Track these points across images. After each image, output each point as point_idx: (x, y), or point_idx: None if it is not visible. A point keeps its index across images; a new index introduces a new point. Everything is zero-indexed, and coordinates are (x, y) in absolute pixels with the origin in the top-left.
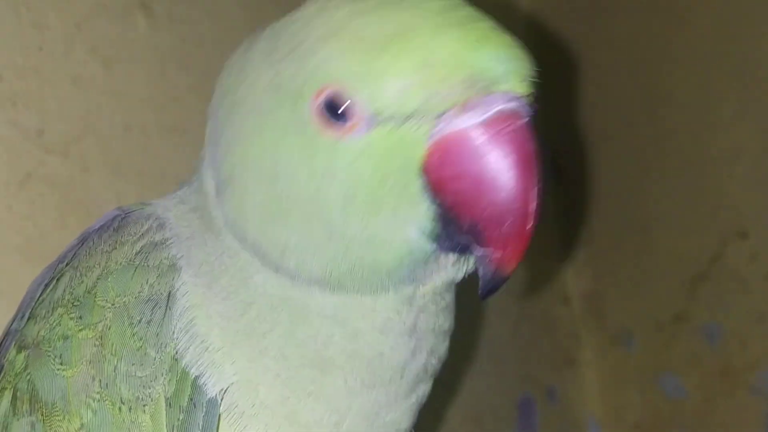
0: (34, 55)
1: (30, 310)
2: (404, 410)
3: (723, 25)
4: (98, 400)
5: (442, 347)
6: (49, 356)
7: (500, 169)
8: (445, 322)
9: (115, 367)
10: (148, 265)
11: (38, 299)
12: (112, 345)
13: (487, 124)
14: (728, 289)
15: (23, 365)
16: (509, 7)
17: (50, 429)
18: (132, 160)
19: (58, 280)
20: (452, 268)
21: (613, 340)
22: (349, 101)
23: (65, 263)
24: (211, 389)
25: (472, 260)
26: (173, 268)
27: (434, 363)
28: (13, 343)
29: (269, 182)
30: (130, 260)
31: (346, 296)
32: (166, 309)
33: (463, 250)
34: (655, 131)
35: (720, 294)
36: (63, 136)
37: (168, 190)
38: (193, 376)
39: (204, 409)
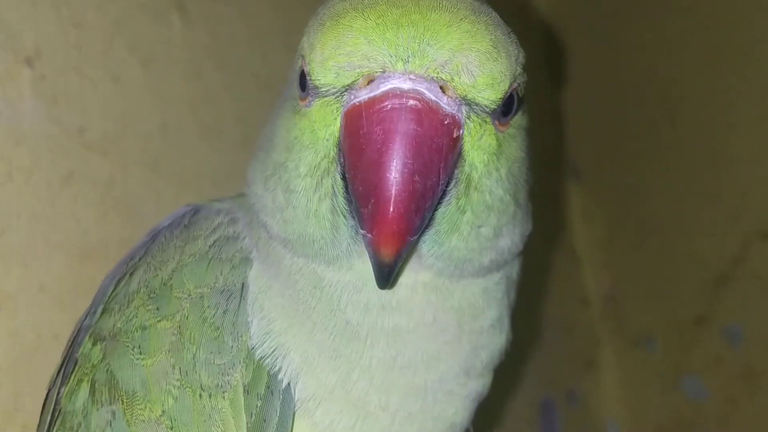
0: (74, 54)
1: (103, 305)
2: (456, 402)
3: (746, 26)
4: (179, 387)
5: (492, 343)
6: (127, 347)
7: (371, 145)
8: (475, 321)
9: (194, 356)
10: (222, 258)
11: (111, 294)
12: (191, 334)
13: (374, 100)
14: (750, 291)
15: (100, 357)
16: (525, 8)
17: (132, 416)
18: (169, 158)
19: (131, 274)
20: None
21: (633, 342)
22: (306, 74)
23: (138, 258)
24: (283, 373)
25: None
26: (246, 260)
27: (484, 359)
28: (88, 337)
29: (267, 151)
30: (203, 253)
31: (332, 267)
32: (240, 299)
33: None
34: (676, 132)
35: (742, 295)
36: (103, 134)
37: (204, 189)
38: (267, 363)
39: (281, 397)
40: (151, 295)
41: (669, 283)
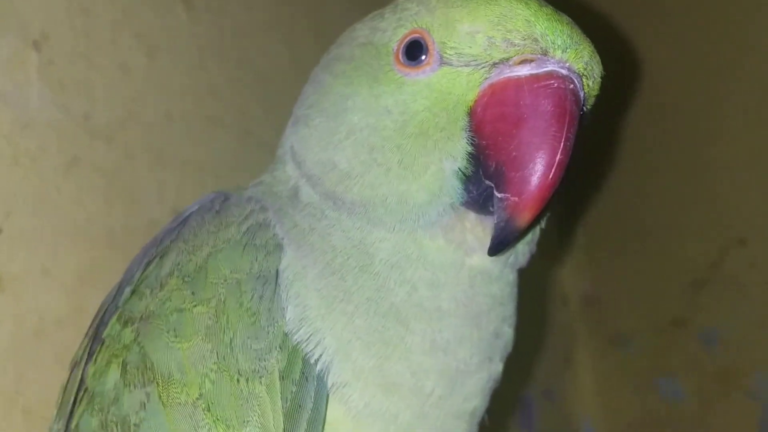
0: (82, 41)
1: (132, 287)
2: (479, 386)
3: (733, 36)
4: (216, 371)
5: (507, 333)
6: (161, 330)
7: (538, 116)
8: (503, 308)
9: (232, 340)
10: (256, 244)
11: (141, 276)
12: (228, 319)
13: (538, 77)
14: (727, 295)
15: (132, 339)
16: None
17: (168, 398)
18: (173, 148)
19: (161, 258)
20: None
21: (610, 342)
22: (427, 45)
23: (168, 242)
24: (317, 360)
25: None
26: (279, 247)
27: (500, 345)
28: (115, 318)
29: (336, 114)
30: (237, 239)
31: (400, 236)
32: (275, 285)
33: (484, 203)
34: (659, 138)
35: (719, 299)
36: (108, 121)
37: (206, 180)
38: (302, 350)
39: (315, 382)
40: (186, 279)
41: (647, 286)
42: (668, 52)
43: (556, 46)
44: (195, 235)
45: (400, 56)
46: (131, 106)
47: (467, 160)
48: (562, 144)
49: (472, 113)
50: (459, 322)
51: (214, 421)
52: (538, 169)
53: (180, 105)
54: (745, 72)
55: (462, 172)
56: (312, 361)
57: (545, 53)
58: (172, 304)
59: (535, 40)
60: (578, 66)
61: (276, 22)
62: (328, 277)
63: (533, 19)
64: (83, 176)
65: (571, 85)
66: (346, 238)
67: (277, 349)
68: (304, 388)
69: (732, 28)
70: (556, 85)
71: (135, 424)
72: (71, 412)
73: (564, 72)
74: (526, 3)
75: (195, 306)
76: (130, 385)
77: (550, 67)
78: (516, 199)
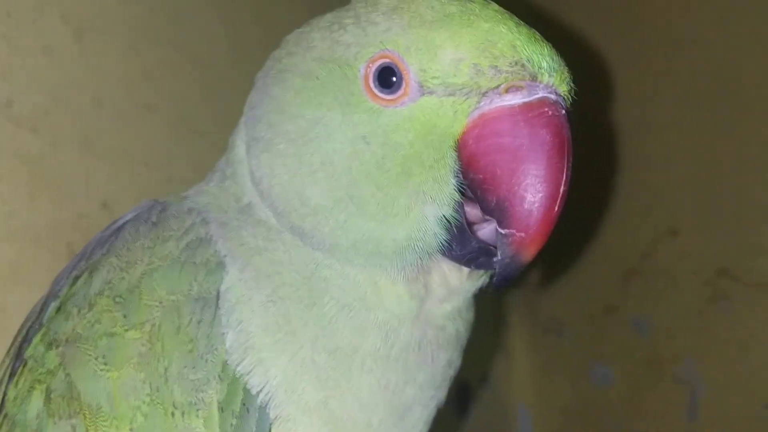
0: (3, 21)
1: (57, 303)
2: (426, 413)
3: (665, 30)
4: (149, 404)
5: (459, 359)
6: (89, 356)
7: (538, 147)
8: (459, 341)
9: (166, 369)
10: (195, 262)
11: (68, 293)
12: (162, 346)
13: (531, 105)
14: (658, 284)
15: (57, 363)
16: None
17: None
18: (101, 136)
19: (91, 273)
20: (453, 285)
21: (545, 329)
22: (401, 71)
23: (99, 255)
24: (259, 391)
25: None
26: (221, 265)
27: (452, 372)
28: (39, 338)
29: (304, 140)
30: (175, 257)
31: (359, 276)
32: (215, 309)
33: (471, 256)
34: (590, 129)
35: (650, 288)
36: (32, 108)
37: (137, 169)
38: (243, 380)
39: (257, 414)
40: (117, 300)
41: (581, 274)
42: (602, 42)
43: (543, 71)
44: (128, 250)
45: (371, 83)
46: (57, 92)
47: (453, 206)
48: (564, 175)
49: (460, 146)
50: (410, 366)
51: None
52: (544, 203)
53: (110, 90)
54: (677, 65)
55: (446, 220)
56: (254, 392)
57: (534, 78)
58: (102, 327)
59: (523, 66)
60: (563, 89)
61: (211, 7)
62: (274, 305)
63: (518, 43)
64: (5, 167)
65: (563, 111)
66: (298, 267)
67: (217, 378)
68: (245, 421)
69: (664, 22)
70: (550, 113)
71: None
72: None
73: (554, 98)
74: (506, 24)
75: (127, 330)
76: (54, 416)
77: (540, 94)
78: (522, 234)
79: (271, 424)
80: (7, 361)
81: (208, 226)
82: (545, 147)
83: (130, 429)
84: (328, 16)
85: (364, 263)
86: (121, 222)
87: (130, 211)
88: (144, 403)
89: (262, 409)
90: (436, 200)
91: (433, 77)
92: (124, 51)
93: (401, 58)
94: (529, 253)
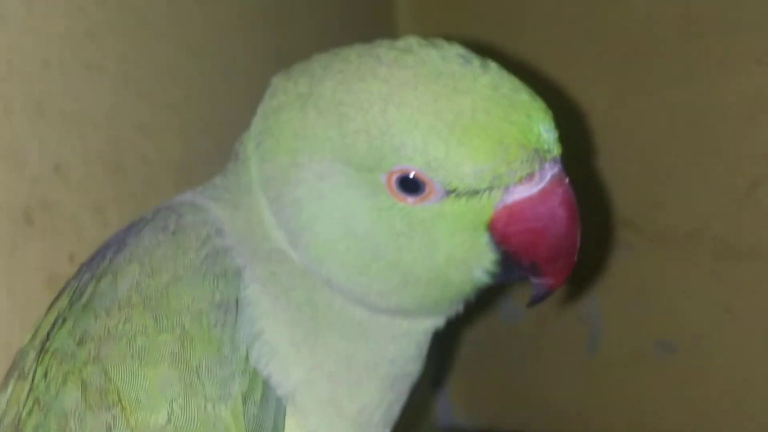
0: None
1: (84, 300)
2: (399, 409)
3: (601, 12)
4: (183, 396)
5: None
6: (125, 354)
7: (557, 222)
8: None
9: (197, 367)
10: (215, 272)
11: (93, 291)
12: (193, 347)
13: (546, 190)
14: None
15: (91, 359)
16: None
17: (136, 422)
18: (53, 100)
19: (116, 277)
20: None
21: None
22: (422, 180)
23: (121, 258)
24: (279, 389)
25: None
26: (238, 275)
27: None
28: (66, 333)
29: (348, 239)
30: (197, 267)
31: (381, 319)
32: (236, 313)
33: (513, 280)
34: None
35: None
36: None
37: (87, 134)
38: (263, 377)
39: (274, 404)
40: (147, 305)
41: None
42: (540, 23)
43: (546, 151)
44: (151, 258)
45: (394, 188)
46: (6, 56)
47: (496, 263)
48: (579, 233)
49: (492, 228)
50: (409, 369)
51: None
52: (568, 260)
53: (58, 52)
54: (612, 48)
55: (492, 272)
56: (273, 385)
57: (542, 162)
58: (133, 328)
59: (534, 158)
60: (558, 152)
61: None
62: (303, 325)
63: (530, 137)
64: None
65: (567, 179)
66: (327, 309)
67: (240, 374)
68: (265, 410)
69: (599, 4)
70: (561, 191)
71: None
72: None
73: (557, 170)
74: (516, 113)
75: (159, 335)
76: (93, 407)
77: (549, 174)
78: (552, 280)
79: (286, 412)
80: (33, 354)
81: (222, 237)
82: (563, 221)
83: (168, 419)
84: (330, 86)
85: (421, 314)
86: (136, 225)
87: (145, 214)
88: (179, 395)
89: (279, 401)
90: (479, 265)
91: (456, 187)
92: (71, 10)
93: (423, 170)
94: (557, 287)
